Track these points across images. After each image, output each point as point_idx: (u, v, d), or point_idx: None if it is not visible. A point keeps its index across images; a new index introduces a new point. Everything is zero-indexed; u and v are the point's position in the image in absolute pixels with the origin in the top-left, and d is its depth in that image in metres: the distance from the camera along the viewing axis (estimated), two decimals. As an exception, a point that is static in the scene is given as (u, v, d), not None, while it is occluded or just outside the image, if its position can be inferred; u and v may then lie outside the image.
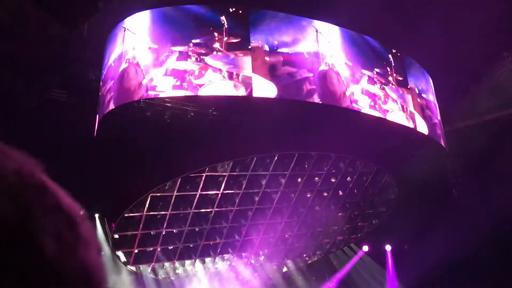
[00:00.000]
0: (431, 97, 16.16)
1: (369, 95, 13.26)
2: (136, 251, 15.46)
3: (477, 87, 15.43)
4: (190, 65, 11.13)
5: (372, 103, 13.28)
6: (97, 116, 12.42)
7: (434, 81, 15.94)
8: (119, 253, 15.36)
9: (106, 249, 14.89)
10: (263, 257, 19.07)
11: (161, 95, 11.05)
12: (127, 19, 11.89)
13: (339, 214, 18.00)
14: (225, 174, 14.38)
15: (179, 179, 13.80)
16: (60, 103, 11.99)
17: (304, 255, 20.17)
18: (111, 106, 11.49)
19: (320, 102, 11.95)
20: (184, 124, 11.97)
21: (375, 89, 13.51)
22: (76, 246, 0.51)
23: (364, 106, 13.00)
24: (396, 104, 13.98)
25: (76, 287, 0.49)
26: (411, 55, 15.07)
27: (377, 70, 13.90)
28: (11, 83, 11.49)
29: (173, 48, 11.28)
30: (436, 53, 14.80)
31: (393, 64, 14.39)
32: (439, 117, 16.11)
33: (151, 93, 11.04)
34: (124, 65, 11.50)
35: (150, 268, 16.42)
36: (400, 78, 14.54)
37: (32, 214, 0.49)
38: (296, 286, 19.13)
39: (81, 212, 0.55)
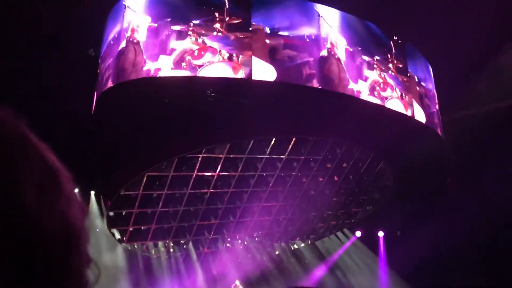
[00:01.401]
0: (430, 86, 16.16)
1: (369, 81, 13.25)
2: (131, 229, 15.58)
3: (476, 77, 15.42)
4: (189, 45, 11.09)
5: (371, 90, 13.28)
6: (95, 93, 12.42)
7: (434, 70, 15.93)
8: (114, 231, 15.47)
9: (100, 226, 15.01)
10: (257, 239, 19.24)
11: (159, 74, 11.02)
12: None
13: (334, 199, 18.11)
14: (221, 156, 14.41)
15: (176, 160, 13.83)
16: (58, 80, 11.91)
17: (298, 239, 20.37)
18: (109, 84, 11.47)
19: (320, 87, 11.94)
20: (182, 105, 11.94)
21: (375, 75, 13.50)
22: (57, 199, 0.52)
23: (363, 92, 13.00)
24: (395, 92, 13.98)
25: (56, 240, 0.50)
26: (412, 43, 15.02)
27: (377, 56, 13.87)
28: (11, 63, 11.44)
29: (173, 28, 11.22)
30: (437, 42, 14.75)
31: (393, 51, 14.34)
32: (437, 107, 16.13)
33: (149, 72, 11.01)
34: (123, 43, 11.46)
35: (144, 246, 16.56)
36: (400, 66, 14.52)
37: (14, 163, 0.50)
38: (288, 269, 19.33)
39: (66, 172, 0.57)
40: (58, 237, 0.50)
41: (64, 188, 0.54)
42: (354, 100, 12.69)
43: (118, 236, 15.69)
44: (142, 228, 15.97)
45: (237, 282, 16.33)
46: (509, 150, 15.00)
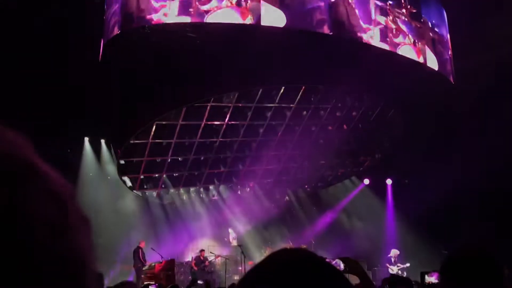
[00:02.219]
0: (444, 31, 15.71)
1: (381, 27, 12.90)
2: (142, 176, 15.81)
3: (490, 24, 14.87)
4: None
5: (383, 36, 12.95)
6: (102, 40, 12.22)
7: (448, 16, 15.41)
8: (125, 178, 15.71)
9: (112, 173, 15.22)
10: (266, 186, 19.47)
11: (166, 20, 10.78)
12: None
13: (343, 147, 18.12)
14: (230, 105, 14.33)
15: (184, 108, 13.78)
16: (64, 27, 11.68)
17: (306, 186, 20.59)
18: (116, 31, 11.28)
19: (331, 33, 11.66)
20: (190, 53, 11.74)
21: (388, 21, 13.12)
22: (65, 231, 0.50)
23: (374, 38, 12.69)
24: (408, 38, 13.64)
25: (61, 271, 0.49)
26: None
27: (390, 1, 13.43)
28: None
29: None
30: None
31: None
32: (450, 53, 15.75)
33: (156, 18, 10.78)
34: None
35: (155, 193, 16.86)
36: (414, 11, 14.06)
37: (22, 198, 0.48)
38: (297, 214, 19.66)
39: (72, 191, 0.54)
40: (66, 270, 0.49)
41: (71, 217, 0.51)
42: (365, 47, 12.41)
43: (129, 183, 15.94)
44: (152, 176, 16.20)
45: (230, 230, 16.55)
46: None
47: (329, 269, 0.89)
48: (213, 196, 18.13)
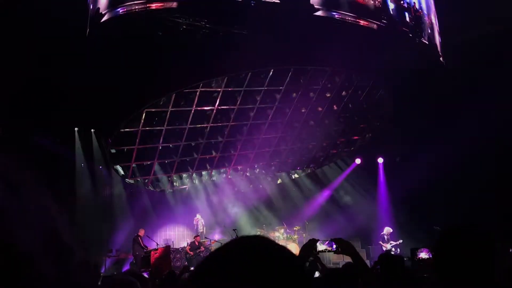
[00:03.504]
0: (432, 8, 15.71)
1: (362, 13, 12.84)
2: (133, 165, 15.78)
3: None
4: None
5: (371, 10, 12.92)
6: (88, 16, 11.99)
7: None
8: (117, 167, 15.67)
9: (103, 163, 15.15)
10: (258, 170, 19.55)
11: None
12: None
13: (333, 128, 18.16)
14: (219, 90, 14.27)
15: (174, 95, 13.71)
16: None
17: (298, 168, 20.68)
18: (104, 15, 11.15)
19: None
20: (176, 38, 11.62)
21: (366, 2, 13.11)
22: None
23: (361, 15, 12.66)
24: (395, 13, 13.64)
25: None
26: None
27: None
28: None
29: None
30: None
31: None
32: (438, 29, 15.76)
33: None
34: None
35: (148, 181, 16.85)
36: None
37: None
38: (290, 196, 19.77)
39: None
40: None
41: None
42: (353, 23, 12.37)
43: (121, 172, 15.91)
44: (144, 163, 16.17)
45: (198, 216, 16.30)
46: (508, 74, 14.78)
47: (277, 258, 0.89)
48: (206, 181, 18.15)
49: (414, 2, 14.48)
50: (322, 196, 19.92)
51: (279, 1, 11.07)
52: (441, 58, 15.14)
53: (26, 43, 11.35)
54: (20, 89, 11.80)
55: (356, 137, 19.65)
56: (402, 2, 13.98)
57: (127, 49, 11.67)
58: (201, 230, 16.01)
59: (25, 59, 11.62)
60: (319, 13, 11.63)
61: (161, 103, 13.98)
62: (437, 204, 16.28)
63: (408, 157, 17.61)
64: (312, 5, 11.57)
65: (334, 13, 11.96)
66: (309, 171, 21.03)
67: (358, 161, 19.77)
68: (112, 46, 11.78)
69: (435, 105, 16.12)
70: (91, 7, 11.74)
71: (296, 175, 20.96)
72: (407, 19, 14.04)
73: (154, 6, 10.73)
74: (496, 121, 14.74)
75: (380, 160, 19.61)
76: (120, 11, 11.03)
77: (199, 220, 16.31)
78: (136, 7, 10.76)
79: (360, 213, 18.06)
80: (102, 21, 11.17)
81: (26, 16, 11.30)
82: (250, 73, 14.01)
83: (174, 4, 10.62)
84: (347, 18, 12.14)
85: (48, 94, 12.56)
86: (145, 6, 10.66)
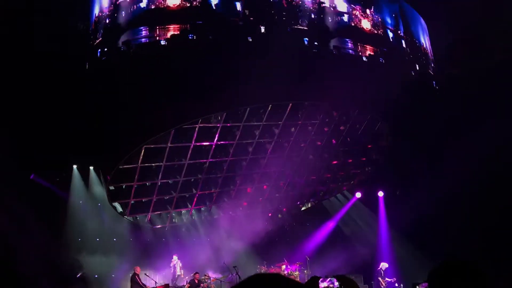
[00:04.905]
0: (426, 41, 16.01)
1: (363, 40, 13.10)
2: (132, 201, 15.66)
3: (473, 34, 15.16)
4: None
5: (365, 51, 13.13)
6: (86, 63, 12.19)
7: (432, 27, 15.72)
8: (116, 204, 15.56)
9: (102, 200, 15.05)
10: (258, 205, 19.39)
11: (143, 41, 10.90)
12: None
13: (333, 162, 18.14)
14: (218, 125, 14.34)
15: (173, 131, 13.75)
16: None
17: (298, 203, 20.54)
18: (99, 54, 11.35)
19: (313, 49, 11.79)
20: (175, 74, 11.76)
21: (371, 31, 13.37)
22: None
23: (358, 51, 12.86)
24: (392, 49, 13.88)
25: None
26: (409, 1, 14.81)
27: (375, 14, 13.67)
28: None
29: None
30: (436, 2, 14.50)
31: (390, 7, 14.14)
32: (433, 63, 16.01)
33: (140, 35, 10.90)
34: (107, 12, 11.31)
35: (147, 218, 16.69)
36: (397, 22, 14.32)
37: None
38: (291, 232, 19.54)
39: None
40: None
41: None
42: (350, 58, 12.56)
43: (120, 209, 15.79)
44: (143, 200, 16.06)
45: (175, 258, 15.73)
46: (503, 105, 14.92)
47: None
48: (205, 217, 17.98)
49: (410, 32, 14.81)
50: (323, 231, 19.70)
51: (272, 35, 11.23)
52: (434, 84, 15.34)
53: (26, 77, 11.50)
54: (20, 125, 11.88)
55: (356, 171, 19.60)
56: (399, 31, 14.29)
57: (126, 85, 11.80)
58: (179, 273, 15.44)
59: (25, 94, 11.75)
60: (333, 41, 11.88)
61: (160, 139, 14.01)
62: (438, 238, 16.11)
63: (409, 190, 17.52)
64: (327, 33, 11.81)
65: (348, 40, 12.21)
66: (309, 205, 20.88)
67: (358, 195, 19.68)
68: (111, 82, 11.92)
69: (434, 138, 16.18)
70: (94, 37, 11.96)
71: (296, 210, 20.78)
72: (403, 45, 14.36)
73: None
74: (496, 154, 14.76)
75: (381, 194, 19.50)
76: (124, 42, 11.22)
77: (176, 262, 15.62)
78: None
79: (362, 247, 17.83)
80: (105, 51, 11.37)
81: (26, 50, 11.50)
82: (248, 108, 14.11)
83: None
84: (358, 45, 12.42)
85: (48, 131, 12.63)
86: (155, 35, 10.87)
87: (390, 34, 14.12)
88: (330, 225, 19.89)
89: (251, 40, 11.17)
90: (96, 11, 11.77)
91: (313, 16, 12.24)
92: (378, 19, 14.06)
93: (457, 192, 15.25)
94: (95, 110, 12.46)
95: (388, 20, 14.30)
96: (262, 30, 11.44)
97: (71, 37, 12.06)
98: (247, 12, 11.26)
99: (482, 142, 14.56)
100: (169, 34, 10.95)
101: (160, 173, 15.01)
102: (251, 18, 11.37)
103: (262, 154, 16.30)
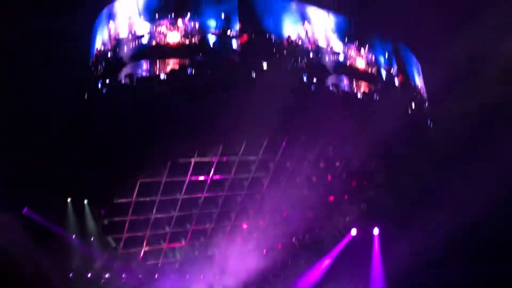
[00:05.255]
0: (420, 82, 16.35)
1: (358, 77, 13.38)
2: (126, 236, 15.43)
3: (466, 74, 15.54)
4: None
5: (360, 88, 13.39)
6: (86, 94, 12.34)
7: (426, 68, 16.11)
8: (109, 238, 15.32)
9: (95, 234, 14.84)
10: (252, 241, 19.14)
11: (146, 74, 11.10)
12: (108, 6, 12.03)
13: (328, 198, 18.09)
14: (214, 159, 14.35)
15: (168, 165, 13.75)
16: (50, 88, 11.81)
17: (294, 239, 20.29)
18: (99, 86, 11.50)
19: (311, 86, 12.01)
20: (172, 110, 11.88)
21: (366, 71, 13.68)
22: None
23: (353, 88, 13.10)
24: (386, 88, 14.14)
25: None
26: (403, 41, 15.21)
27: (370, 54, 14.02)
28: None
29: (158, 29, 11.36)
30: (429, 41, 14.91)
31: (383, 47, 14.51)
32: (427, 102, 16.29)
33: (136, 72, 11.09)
34: (109, 46, 11.57)
35: (140, 253, 16.40)
36: (390, 61, 14.67)
37: None
38: (287, 269, 19.22)
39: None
40: None
41: None
42: (344, 97, 12.76)
43: (113, 243, 15.53)
44: (136, 235, 15.82)
45: None
46: (495, 146, 15.14)
47: None
48: (199, 253, 17.69)
49: (404, 71, 15.15)
50: (318, 268, 19.41)
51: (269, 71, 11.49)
52: (430, 128, 15.53)
53: (21, 105, 11.58)
54: (14, 158, 11.85)
55: (351, 207, 19.50)
56: (392, 70, 14.62)
57: (122, 119, 11.88)
58: None
59: (20, 128, 11.78)
60: (330, 77, 12.16)
61: (156, 173, 13.97)
62: (436, 278, 15.95)
63: (405, 228, 17.44)
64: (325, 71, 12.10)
65: (343, 78, 12.50)
66: (305, 242, 20.62)
67: (354, 231, 19.51)
68: (110, 114, 11.99)
69: (429, 174, 16.28)
70: (95, 69, 12.14)
71: (292, 247, 20.49)
72: (396, 83, 14.66)
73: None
74: (495, 189, 14.85)
75: (376, 231, 19.35)
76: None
77: None
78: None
79: (357, 285, 17.55)
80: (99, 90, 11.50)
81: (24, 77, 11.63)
82: (244, 143, 14.18)
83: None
84: (353, 82, 12.69)
85: (43, 165, 12.59)
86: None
87: (384, 73, 14.45)
88: (325, 263, 19.61)
89: (254, 76, 11.42)
90: (98, 45, 12.00)
91: (311, 55, 12.55)
92: (372, 58, 14.40)
93: (454, 231, 15.21)
94: (92, 142, 12.48)
95: (381, 59, 14.65)
96: (265, 67, 11.67)
97: (70, 70, 12.23)
98: (248, 48, 11.60)
99: (479, 181, 14.67)
100: (168, 69, 11.17)
101: (155, 208, 14.88)
102: (254, 55, 11.61)
103: (257, 190, 16.25)
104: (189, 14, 11.47)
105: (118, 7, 12.11)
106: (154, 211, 15.01)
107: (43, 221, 13.64)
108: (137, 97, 11.73)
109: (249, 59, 11.55)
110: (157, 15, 11.50)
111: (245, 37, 11.66)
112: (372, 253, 19.11)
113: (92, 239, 14.92)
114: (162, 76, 11.29)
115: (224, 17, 11.55)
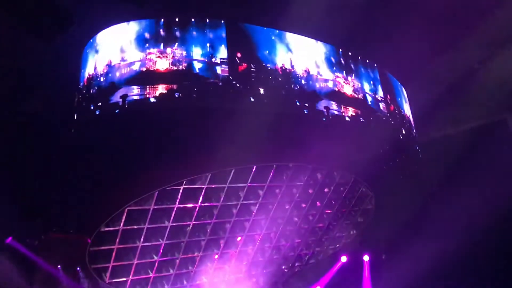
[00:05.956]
0: (406, 106, 16.55)
1: (346, 103, 13.57)
2: (112, 265, 15.15)
3: (451, 98, 15.79)
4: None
5: (348, 112, 13.56)
6: (75, 121, 12.32)
7: (411, 92, 16.34)
8: (95, 268, 15.00)
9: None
10: (241, 270, 18.90)
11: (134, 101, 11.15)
12: (100, 33, 12.14)
13: (318, 225, 18.03)
14: (203, 187, 14.28)
15: (156, 192, 13.63)
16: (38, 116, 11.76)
17: (283, 267, 20.08)
18: (88, 115, 11.49)
19: (301, 111, 12.15)
20: (160, 136, 11.87)
21: (352, 96, 13.90)
22: None
23: (341, 114, 13.25)
24: (372, 112, 14.30)
25: None
26: (385, 66, 15.43)
27: (355, 81, 14.24)
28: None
29: (149, 56, 11.48)
30: (411, 65, 15.16)
31: (369, 74, 14.74)
32: (414, 128, 16.46)
33: (124, 101, 11.15)
34: (98, 73, 11.68)
35: (127, 283, 16.07)
36: (375, 88, 14.89)
37: None
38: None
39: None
40: None
41: None
42: (331, 122, 12.89)
43: (100, 273, 15.20)
44: (123, 264, 15.53)
45: None
46: (484, 169, 15.31)
47: None
48: (187, 283, 17.39)
49: (387, 96, 15.44)
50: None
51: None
52: (418, 153, 15.66)
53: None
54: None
55: (341, 234, 19.44)
56: (377, 96, 14.91)
57: (108, 147, 11.84)
58: None
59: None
60: (321, 102, 12.49)
61: (144, 200, 13.81)
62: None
63: (395, 255, 17.39)
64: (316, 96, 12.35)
65: (332, 103, 12.84)
66: (295, 270, 20.41)
67: (344, 258, 19.40)
68: (94, 144, 11.95)
69: (417, 199, 16.34)
70: (87, 92, 12.13)
71: (281, 275, 20.26)
72: (382, 108, 14.93)
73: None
74: (487, 211, 14.92)
75: (366, 258, 19.26)
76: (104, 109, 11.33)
77: None
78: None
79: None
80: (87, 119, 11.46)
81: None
82: (233, 170, 14.14)
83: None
84: (341, 107, 12.97)
85: (25, 194, 12.42)
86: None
87: (369, 98, 14.74)
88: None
89: (253, 100, 11.81)
90: (90, 69, 12.20)
91: (303, 82, 12.90)
92: (358, 85, 14.68)
93: (446, 257, 15.18)
94: (78, 168, 12.36)
95: (367, 86, 14.94)
96: (262, 91, 12.01)
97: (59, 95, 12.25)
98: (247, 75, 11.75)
99: (469, 208, 14.75)
100: (157, 93, 11.36)
101: (142, 236, 14.66)
102: (253, 79, 11.93)
103: (246, 216, 16.14)
104: (177, 43, 11.80)
105: (109, 35, 12.24)
106: (142, 239, 14.77)
107: (27, 251, 13.36)
108: (128, 119, 11.77)
109: (248, 85, 11.83)
110: (147, 44, 11.74)
111: (244, 65, 12.04)
112: (362, 279, 19.01)
113: (78, 269, 14.63)
114: (152, 100, 11.43)
115: (210, 46, 11.95)
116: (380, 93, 15.24)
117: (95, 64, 12.25)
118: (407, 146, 15.46)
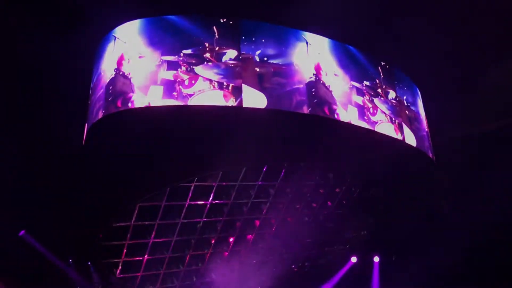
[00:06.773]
0: (420, 109, 16.35)
1: (358, 106, 13.37)
2: (123, 261, 15.29)
3: (466, 99, 15.60)
4: (180, 74, 11.16)
5: (360, 115, 13.39)
6: (86, 124, 12.39)
7: (424, 94, 16.15)
8: (106, 263, 15.16)
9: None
10: (251, 267, 18.93)
11: (151, 104, 11.03)
12: (118, 28, 11.98)
13: (328, 225, 17.98)
14: (214, 184, 14.33)
15: (168, 189, 13.72)
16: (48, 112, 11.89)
17: (293, 266, 20.08)
18: (100, 115, 11.46)
19: (309, 113, 12.01)
20: (174, 134, 11.92)
21: (364, 100, 13.64)
22: None
23: (352, 117, 13.09)
24: (385, 116, 14.10)
25: None
26: (400, 67, 15.28)
27: (366, 82, 14.06)
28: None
29: (163, 58, 11.31)
30: (426, 66, 15.00)
31: (382, 76, 14.56)
32: (427, 129, 16.27)
33: (140, 103, 11.04)
34: (113, 74, 11.53)
35: (137, 278, 16.21)
36: (389, 90, 14.71)
37: None
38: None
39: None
40: None
41: None
42: (344, 125, 12.75)
43: (110, 268, 15.36)
44: (134, 259, 15.66)
45: None
46: (500, 171, 15.11)
47: None
48: (197, 279, 17.48)
49: (407, 100, 15.20)
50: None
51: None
52: (430, 156, 15.48)
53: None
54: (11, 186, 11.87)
55: (351, 234, 19.37)
56: (393, 100, 14.67)
57: (122, 144, 11.90)
58: None
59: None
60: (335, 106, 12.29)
61: (155, 197, 13.91)
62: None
63: (406, 256, 17.29)
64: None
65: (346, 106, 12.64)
66: (304, 269, 20.39)
67: (354, 259, 19.33)
68: (107, 142, 12.03)
69: (429, 201, 16.21)
70: (92, 108, 12.14)
71: (291, 274, 20.24)
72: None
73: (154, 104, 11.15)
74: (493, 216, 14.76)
75: (376, 259, 19.18)
76: (117, 109, 11.38)
77: None
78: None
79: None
80: (98, 119, 11.49)
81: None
82: (244, 169, 14.17)
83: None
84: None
85: (39, 188, 12.59)
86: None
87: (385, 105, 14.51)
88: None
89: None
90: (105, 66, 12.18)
91: (325, 85, 12.74)
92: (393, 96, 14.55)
93: (458, 260, 15.06)
94: (91, 165, 12.49)
95: (381, 90, 14.72)
96: (275, 92, 11.91)
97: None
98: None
99: (484, 210, 14.60)
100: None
101: (153, 232, 14.77)
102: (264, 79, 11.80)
103: (257, 215, 16.16)
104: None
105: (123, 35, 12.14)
106: (153, 235, 14.88)
107: (39, 246, 13.54)
108: (139, 120, 11.75)
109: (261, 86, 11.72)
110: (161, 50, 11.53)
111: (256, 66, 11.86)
112: (372, 280, 18.94)
113: (89, 263, 14.80)
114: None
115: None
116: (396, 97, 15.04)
117: (110, 61, 12.25)
118: (419, 153, 15.27)
